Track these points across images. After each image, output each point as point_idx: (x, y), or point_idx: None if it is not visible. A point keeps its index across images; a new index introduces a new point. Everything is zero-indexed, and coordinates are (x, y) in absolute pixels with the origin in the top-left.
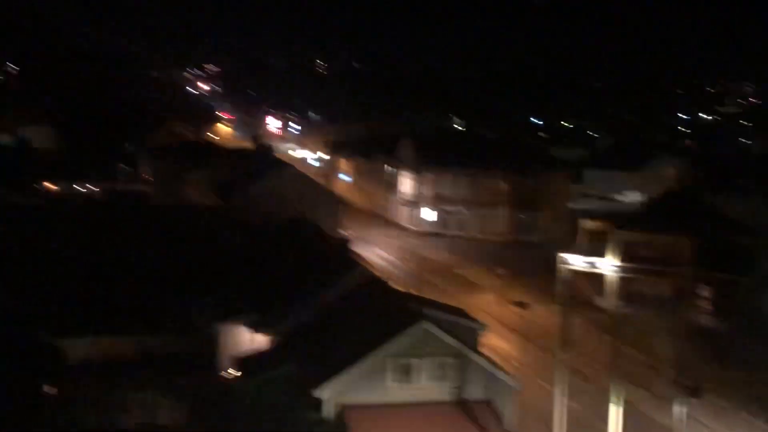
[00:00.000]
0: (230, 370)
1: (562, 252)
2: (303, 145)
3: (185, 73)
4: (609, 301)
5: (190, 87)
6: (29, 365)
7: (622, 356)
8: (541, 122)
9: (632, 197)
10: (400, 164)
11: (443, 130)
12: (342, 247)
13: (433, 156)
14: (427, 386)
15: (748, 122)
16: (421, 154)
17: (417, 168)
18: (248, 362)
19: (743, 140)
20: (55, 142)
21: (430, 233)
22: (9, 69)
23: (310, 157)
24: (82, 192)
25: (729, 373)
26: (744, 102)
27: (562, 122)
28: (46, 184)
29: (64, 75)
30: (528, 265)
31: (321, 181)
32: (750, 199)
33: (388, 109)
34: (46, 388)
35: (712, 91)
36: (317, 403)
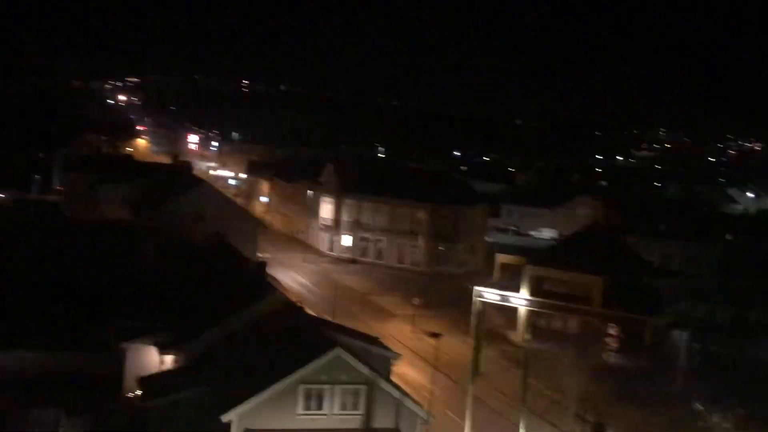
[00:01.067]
0: (137, 391)
1: (477, 284)
2: (223, 165)
3: (106, 85)
4: (520, 335)
5: (109, 98)
6: None
7: (530, 390)
8: (464, 155)
9: (548, 234)
10: (322, 189)
11: (367, 158)
12: (258, 270)
13: (354, 183)
14: (337, 414)
15: (660, 166)
16: (343, 181)
17: (338, 194)
18: (156, 383)
19: (656, 183)
20: None
21: (348, 259)
22: None
23: (230, 177)
24: None
25: (630, 410)
26: (658, 147)
27: (484, 157)
28: None
29: None
30: (444, 295)
31: (240, 201)
32: (660, 241)
33: (312, 133)
34: None
35: (635, 133)
36: (225, 429)
